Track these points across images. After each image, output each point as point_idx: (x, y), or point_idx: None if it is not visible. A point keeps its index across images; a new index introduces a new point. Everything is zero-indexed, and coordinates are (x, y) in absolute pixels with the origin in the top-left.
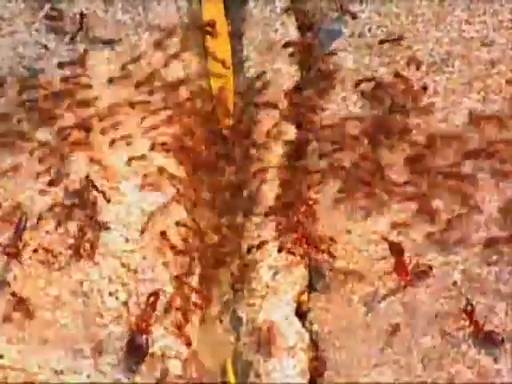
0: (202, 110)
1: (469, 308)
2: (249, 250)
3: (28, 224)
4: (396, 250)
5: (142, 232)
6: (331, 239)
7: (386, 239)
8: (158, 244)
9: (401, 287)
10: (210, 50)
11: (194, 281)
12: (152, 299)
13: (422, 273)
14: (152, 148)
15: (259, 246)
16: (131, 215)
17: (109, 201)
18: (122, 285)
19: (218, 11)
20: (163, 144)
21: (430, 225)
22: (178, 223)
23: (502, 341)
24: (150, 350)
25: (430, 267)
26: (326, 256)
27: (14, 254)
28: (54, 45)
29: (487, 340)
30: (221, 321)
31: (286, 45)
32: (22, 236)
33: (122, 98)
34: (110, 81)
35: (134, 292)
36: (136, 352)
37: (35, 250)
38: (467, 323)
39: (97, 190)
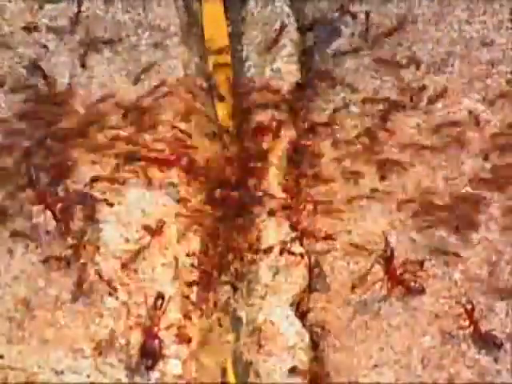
0: (201, 110)
1: (469, 307)
2: (255, 252)
3: None
4: (386, 257)
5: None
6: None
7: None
8: (158, 244)
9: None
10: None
11: (194, 281)
12: (159, 302)
13: (415, 289)
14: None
15: (266, 251)
16: (131, 215)
17: (112, 205)
18: (121, 285)
19: (217, 11)
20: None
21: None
22: (177, 224)
23: (501, 344)
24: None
25: (424, 289)
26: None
27: None
28: (53, 45)
29: (487, 341)
30: (220, 322)
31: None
32: None
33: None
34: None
35: (134, 292)
36: (149, 357)
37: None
38: (467, 323)
39: (97, 200)
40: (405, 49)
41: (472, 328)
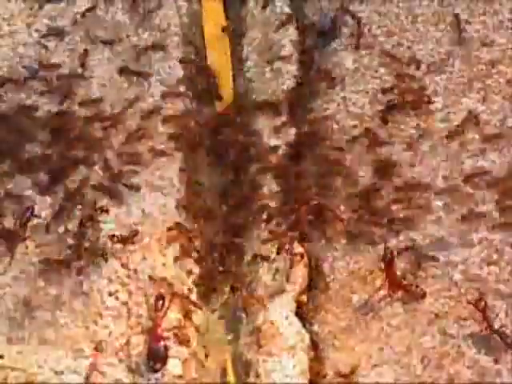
0: (201, 109)
1: (482, 304)
2: (254, 257)
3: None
4: (386, 262)
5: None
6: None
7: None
8: (158, 244)
9: None
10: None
11: (194, 281)
12: (160, 303)
13: (417, 295)
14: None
15: (263, 258)
16: (131, 216)
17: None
18: (121, 285)
19: (217, 11)
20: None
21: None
22: (178, 224)
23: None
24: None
25: (425, 293)
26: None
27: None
28: (53, 45)
29: (500, 337)
30: (220, 322)
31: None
32: (26, 224)
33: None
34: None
35: (134, 292)
36: (157, 360)
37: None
38: (480, 318)
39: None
40: (405, 49)
41: (484, 324)
